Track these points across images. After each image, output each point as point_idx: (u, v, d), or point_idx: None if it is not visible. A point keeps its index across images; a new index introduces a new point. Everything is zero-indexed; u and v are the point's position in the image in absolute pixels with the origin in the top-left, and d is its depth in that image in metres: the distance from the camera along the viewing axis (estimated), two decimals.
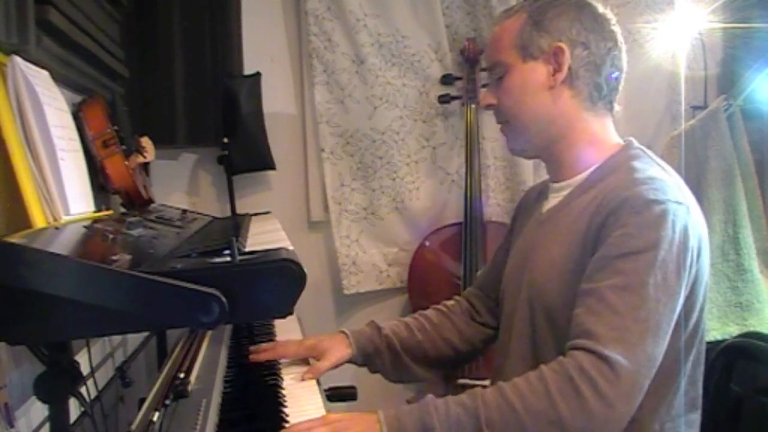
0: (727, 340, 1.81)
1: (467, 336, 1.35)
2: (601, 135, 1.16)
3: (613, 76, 1.15)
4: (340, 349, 1.26)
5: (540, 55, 1.13)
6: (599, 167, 1.13)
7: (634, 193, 1.00)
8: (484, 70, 2.35)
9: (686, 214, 1.01)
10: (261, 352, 1.28)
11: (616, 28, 1.16)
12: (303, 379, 1.21)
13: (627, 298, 0.93)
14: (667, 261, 0.96)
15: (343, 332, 1.30)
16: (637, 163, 1.09)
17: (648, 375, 0.94)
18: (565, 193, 1.16)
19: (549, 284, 1.09)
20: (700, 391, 1.10)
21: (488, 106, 1.21)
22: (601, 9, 1.17)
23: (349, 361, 1.28)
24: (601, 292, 0.95)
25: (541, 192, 1.27)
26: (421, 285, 2.32)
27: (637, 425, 1.02)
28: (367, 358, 1.28)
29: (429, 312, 1.38)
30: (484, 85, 2.33)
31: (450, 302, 1.40)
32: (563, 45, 1.12)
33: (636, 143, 1.16)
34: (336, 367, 1.26)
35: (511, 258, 1.28)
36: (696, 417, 1.10)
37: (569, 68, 1.12)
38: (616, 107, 1.18)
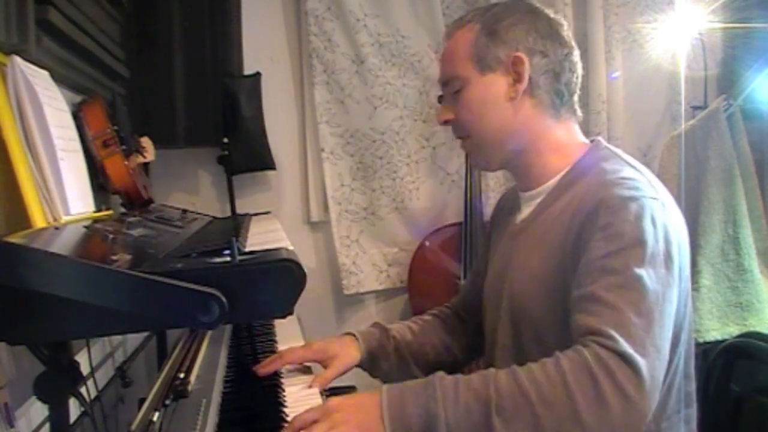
0: (727, 340, 1.81)
1: (464, 343, 1.33)
2: (566, 141, 1.14)
3: (573, 80, 1.14)
4: (348, 354, 1.22)
5: (498, 66, 1.11)
6: (568, 172, 1.11)
7: (608, 193, 0.98)
8: None
9: (662, 210, 0.99)
10: (267, 365, 1.22)
11: (569, 33, 1.15)
12: (311, 387, 1.17)
13: (625, 295, 0.90)
14: (655, 254, 0.94)
15: (351, 334, 1.26)
16: (606, 165, 1.06)
17: (661, 368, 0.90)
18: (536, 201, 1.13)
19: (531, 296, 1.06)
20: (694, 386, 1.08)
21: (446, 122, 1.18)
22: (553, 15, 1.15)
23: (356, 365, 1.24)
24: (596, 294, 0.91)
25: (513, 202, 1.23)
26: (421, 285, 2.32)
27: None
28: (373, 361, 1.25)
29: (427, 317, 1.37)
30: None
31: (443, 308, 1.39)
32: (521, 54, 1.09)
33: (603, 143, 1.15)
34: (344, 373, 1.22)
35: (489, 272, 1.26)
36: (692, 412, 1.09)
37: (529, 77, 1.10)
38: (578, 111, 1.17)
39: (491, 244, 1.30)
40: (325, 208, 2.38)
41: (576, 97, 1.15)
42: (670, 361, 1.01)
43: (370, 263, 2.40)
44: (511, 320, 1.11)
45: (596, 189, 1.01)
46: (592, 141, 1.16)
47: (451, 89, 1.15)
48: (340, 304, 2.45)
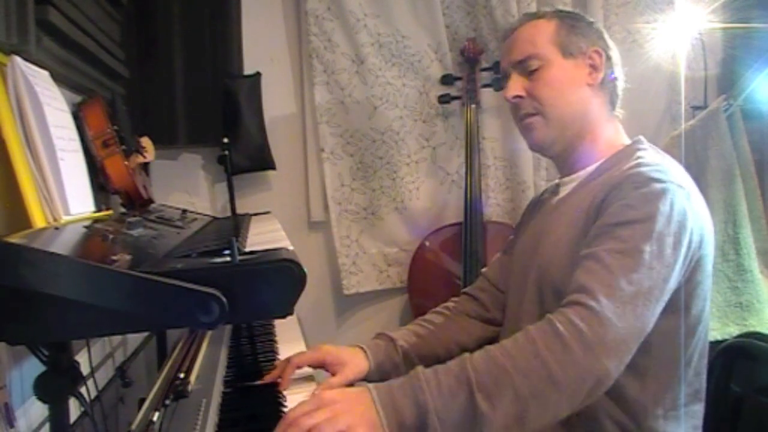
0: (727, 340, 1.81)
1: (476, 336, 1.33)
2: (614, 137, 1.24)
3: (621, 89, 1.26)
4: (357, 364, 1.20)
5: (579, 55, 1.20)
6: (608, 159, 1.19)
7: (637, 171, 1.06)
8: (484, 70, 2.35)
9: (686, 198, 1.04)
10: (276, 373, 1.20)
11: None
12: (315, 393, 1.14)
13: (622, 261, 0.97)
14: (663, 234, 0.99)
15: (360, 347, 1.24)
16: (643, 153, 1.15)
17: (637, 336, 0.95)
18: (574, 184, 1.22)
19: (555, 262, 1.12)
20: (704, 384, 1.12)
21: (516, 97, 1.23)
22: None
23: (363, 378, 1.21)
24: (598, 255, 0.99)
25: (549, 193, 1.33)
26: (421, 285, 2.32)
27: (642, 410, 1.04)
28: (382, 374, 1.23)
29: (431, 316, 1.36)
30: (485, 85, 2.33)
31: (450, 304, 1.38)
32: (600, 49, 1.21)
33: (645, 141, 1.22)
34: (351, 384, 1.19)
35: (519, 244, 1.32)
36: (699, 409, 1.12)
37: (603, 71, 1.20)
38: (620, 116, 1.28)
39: (520, 227, 1.37)
40: (325, 208, 2.38)
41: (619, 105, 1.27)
42: (684, 354, 1.06)
43: (370, 263, 2.40)
44: (537, 287, 1.15)
45: (627, 168, 1.09)
46: (634, 140, 1.24)
47: (527, 68, 1.21)
48: (340, 304, 2.45)
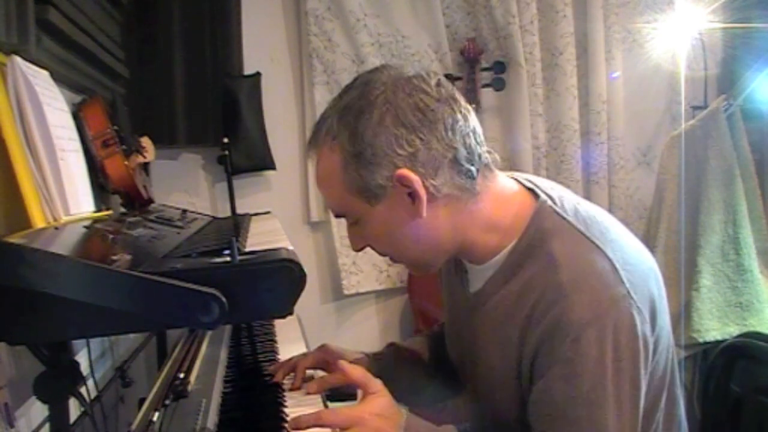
0: (727, 340, 1.81)
1: None
2: (498, 213, 0.98)
3: (474, 139, 0.95)
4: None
5: (384, 192, 0.93)
6: (513, 249, 0.97)
7: (565, 315, 0.87)
8: (484, 70, 2.35)
9: (628, 305, 0.88)
10: (285, 372, 1.21)
11: (441, 87, 0.94)
12: (308, 392, 1.14)
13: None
14: (621, 384, 0.88)
15: (365, 354, 1.22)
16: (556, 246, 0.92)
17: None
18: (487, 275, 1.01)
19: (499, 398, 1.02)
20: (682, 410, 1.05)
21: (361, 249, 1.03)
22: (410, 73, 0.94)
23: None
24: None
25: (457, 263, 1.11)
26: (421, 285, 2.32)
27: None
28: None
29: (430, 332, 1.34)
30: (485, 85, 2.33)
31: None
32: (403, 171, 0.91)
33: (547, 202, 0.97)
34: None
35: (448, 338, 1.21)
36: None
37: (425, 187, 0.92)
38: (488, 158, 0.98)
39: (444, 294, 1.22)
40: (325, 208, 2.37)
41: (485, 147, 0.98)
42: (654, 412, 0.98)
43: (370, 263, 2.40)
44: (482, 401, 1.08)
45: (551, 295, 0.89)
46: (529, 190, 1.01)
47: (347, 219, 1.01)
48: (340, 304, 2.45)
